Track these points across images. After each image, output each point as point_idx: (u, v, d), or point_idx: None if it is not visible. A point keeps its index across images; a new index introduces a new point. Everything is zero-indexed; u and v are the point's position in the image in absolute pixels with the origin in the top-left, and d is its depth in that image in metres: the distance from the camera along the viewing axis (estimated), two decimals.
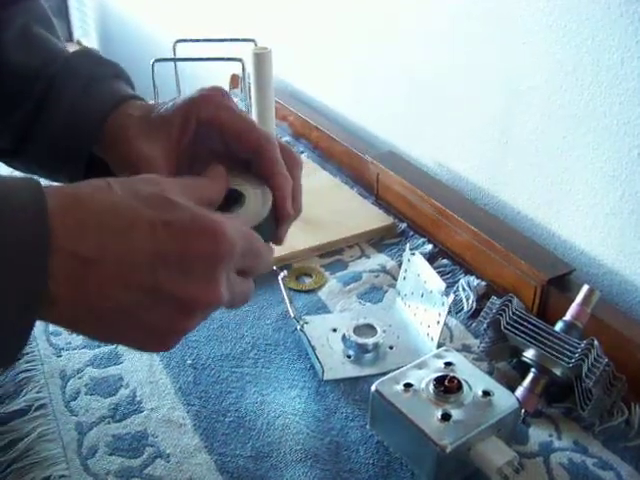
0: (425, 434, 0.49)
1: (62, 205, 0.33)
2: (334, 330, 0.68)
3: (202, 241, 0.34)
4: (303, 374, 0.63)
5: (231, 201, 0.43)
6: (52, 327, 0.68)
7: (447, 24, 0.87)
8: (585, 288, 0.62)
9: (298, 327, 0.66)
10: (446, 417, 0.50)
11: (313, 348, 0.64)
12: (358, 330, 0.66)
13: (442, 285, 0.63)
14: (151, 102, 0.50)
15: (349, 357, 0.65)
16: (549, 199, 0.78)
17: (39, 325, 0.68)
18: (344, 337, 0.66)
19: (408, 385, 0.53)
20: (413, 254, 0.69)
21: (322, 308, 0.72)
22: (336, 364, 0.64)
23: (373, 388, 0.54)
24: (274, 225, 0.44)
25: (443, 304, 0.63)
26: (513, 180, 0.82)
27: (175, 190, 0.37)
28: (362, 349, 0.65)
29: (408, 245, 0.73)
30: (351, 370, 0.64)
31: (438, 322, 0.64)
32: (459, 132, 0.90)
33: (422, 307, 0.67)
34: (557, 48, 0.71)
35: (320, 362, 0.63)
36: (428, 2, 0.89)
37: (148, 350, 0.38)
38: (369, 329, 0.66)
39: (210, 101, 0.46)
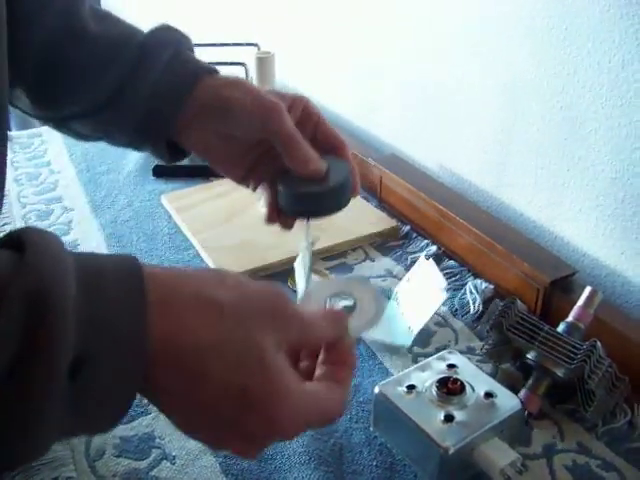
0: (428, 435, 0.50)
1: (162, 338, 0.33)
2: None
3: (257, 422, 0.35)
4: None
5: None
6: None
7: (449, 28, 0.87)
8: (588, 290, 0.62)
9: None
10: (449, 418, 0.51)
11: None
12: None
13: (443, 283, 0.64)
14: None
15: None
16: (551, 201, 0.78)
17: None
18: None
19: (411, 387, 0.54)
20: (428, 258, 0.69)
21: None
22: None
23: (376, 390, 0.55)
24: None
25: (438, 299, 0.63)
26: (515, 182, 0.83)
27: (294, 329, 0.38)
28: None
29: (424, 254, 0.73)
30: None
31: (425, 315, 0.64)
32: (461, 135, 0.90)
33: (413, 304, 0.67)
34: (558, 50, 0.72)
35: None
36: (430, 7, 0.89)
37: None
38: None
39: (309, 99, 0.56)
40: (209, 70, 0.56)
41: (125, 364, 0.31)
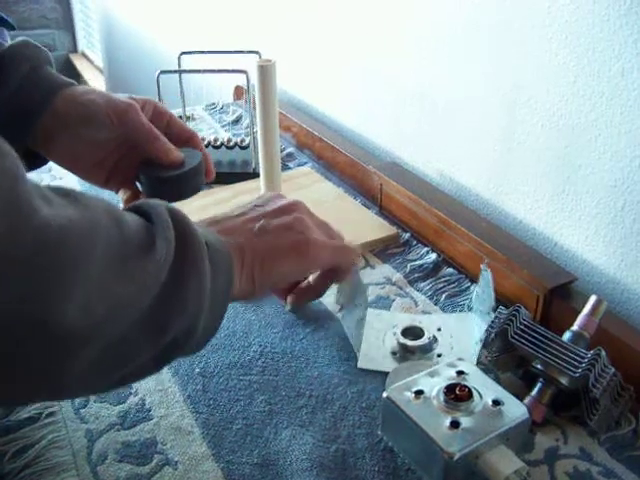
0: (433, 441, 0.50)
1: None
2: (394, 326, 0.69)
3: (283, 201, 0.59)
4: (310, 382, 0.64)
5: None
6: None
7: (450, 37, 0.88)
8: (593, 298, 0.62)
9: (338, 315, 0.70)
10: (455, 425, 0.51)
11: (348, 335, 0.66)
12: (409, 331, 0.68)
13: (491, 304, 0.64)
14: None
15: (394, 354, 0.67)
16: (551, 209, 0.79)
17: None
18: (394, 334, 0.68)
19: (419, 392, 0.54)
20: (486, 270, 0.68)
21: (328, 317, 0.73)
22: (377, 357, 0.66)
23: (384, 394, 0.55)
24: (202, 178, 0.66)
25: (486, 323, 0.63)
26: (515, 190, 0.83)
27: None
28: (405, 349, 0.66)
29: (486, 260, 0.72)
30: (386, 365, 0.65)
31: (480, 340, 0.64)
32: (461, 142, 0.91)
33: (479, 323, 0.68)
34: (558, 59, 0.72)
35: (355, 350, 0.65)
36: (431, 17, 0.90)
37: (303, 256, 0.56)
38: (420, 332, 0.68)
39: (157, 102, 0.66)
40: (67, 83, 0.60)
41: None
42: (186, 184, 0.64)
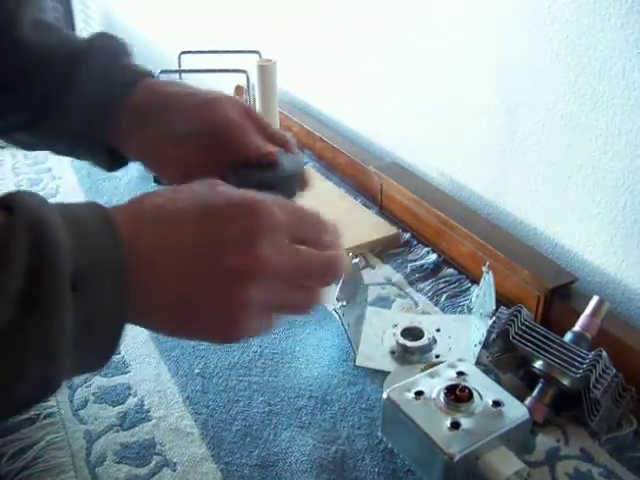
0: (434, 442, 0.50)
1: (127, 219, 0.38)
2: (394, 326, 0.69)
3: (242, 219, 0.38)
4: (310, 383, 0.63)
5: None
6: None
7: (450, 36, 0.88)
8: (595, 299, 0.62)
9: (338, 312, 0.65)
10: (455, 426, 0.51)
11: (346, 332, 0.65)
12: (408, 331, 0.68)
13: (491, 307, 0.63)
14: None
15: (393, 353, 0.66)
16: (552, 209, 0.78)
17: None
18: (394, 334, 0.68)
19: (419, 393, 0.54)
20: (487, 272, 0.68)
21: (327, 317, 0.72)
22: (376, 356, 0.66)
23: (385, 395, 0.55)
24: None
25: (486, 326, 0.63)
26: (516, 190, 0.83)
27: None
28: (404, 350, 0.66)
29: (487, 263, 0.71)
30: (384, 364, 0.65)
31: (480, 342, 0.64)
32: (462, 142, 0.90)
33: (478, 325, 0.68)
34: (559, 59, 0.72)
35: (353, 347, 0.65)
36: (432, 17, 0.90)
37: (218, 339, 0.40)
38: (419, 332, 0.68)
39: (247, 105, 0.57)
40: (146, 73, 0.55)
41: (111, 272, 0.35)
42: (282, 190, 0.51)
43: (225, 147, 0.53)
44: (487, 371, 0.64)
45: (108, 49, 0.55)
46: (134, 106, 0.53)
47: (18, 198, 0.35)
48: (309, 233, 0.41)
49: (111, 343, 0.37)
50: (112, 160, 0.57)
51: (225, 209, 0.39)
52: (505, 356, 0.63)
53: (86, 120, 0.54)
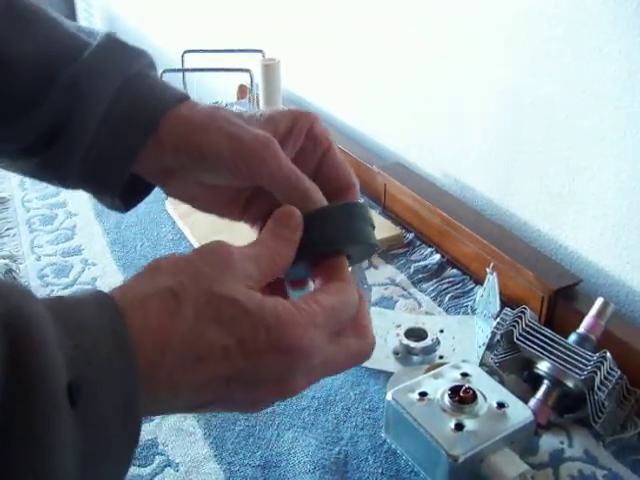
0: (438, 443, 0.50)
1: (140, 336, 0.31)
2: (398, 326, 0.69)
3: (277, 359, 0.33)
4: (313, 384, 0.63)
5: None
6: None
7: (454, 37, 0.88)
8: (599, 301, 0.62)
9: None
10: (459, 427, 0.51)
11: None
12: (412, 332, 0.67)
13: (495, 308, 0.63)
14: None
15: (397, 354, 0.66)
16: (556, 210, 0.78)
17: None
18: (398, 335, 0.68)
19: (423, 394, 0.54)
20: (492, 273, 0.68)
21: None
22: (379, 356, 0.65)
23: (389, 396, 0.55)
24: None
25: (490, 327, 0.63)
26: (520, 191, 0.83)
27: (248, 272, 0.34)
28: (408, 350, 0.66)
29: (492, 264, 0.70)
30: (387, 365, 0.65)
31: (484, 344, 0.64)
32: (466, 143, 0.90)
33: (482, 326, 0.68)
34: (564, 60, 0.72)
35: None
36: (435, 16, 0.90)
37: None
38: (423, 333, 0.68)
39: (317, 119, 0.45)
40: (173, 102, 0.42)
41: (118, 380, 0.29)
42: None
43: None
44: (491, 372, 0.64)
45: (117, 71, 0.42)
46: (159, 151, 0.42)
47: None
48: (344, 323, 0.37)
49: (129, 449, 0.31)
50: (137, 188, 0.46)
51: (258, 344, 0.32)
52: (509, 357, 0.63)
53: (94, 167, 0.42)
